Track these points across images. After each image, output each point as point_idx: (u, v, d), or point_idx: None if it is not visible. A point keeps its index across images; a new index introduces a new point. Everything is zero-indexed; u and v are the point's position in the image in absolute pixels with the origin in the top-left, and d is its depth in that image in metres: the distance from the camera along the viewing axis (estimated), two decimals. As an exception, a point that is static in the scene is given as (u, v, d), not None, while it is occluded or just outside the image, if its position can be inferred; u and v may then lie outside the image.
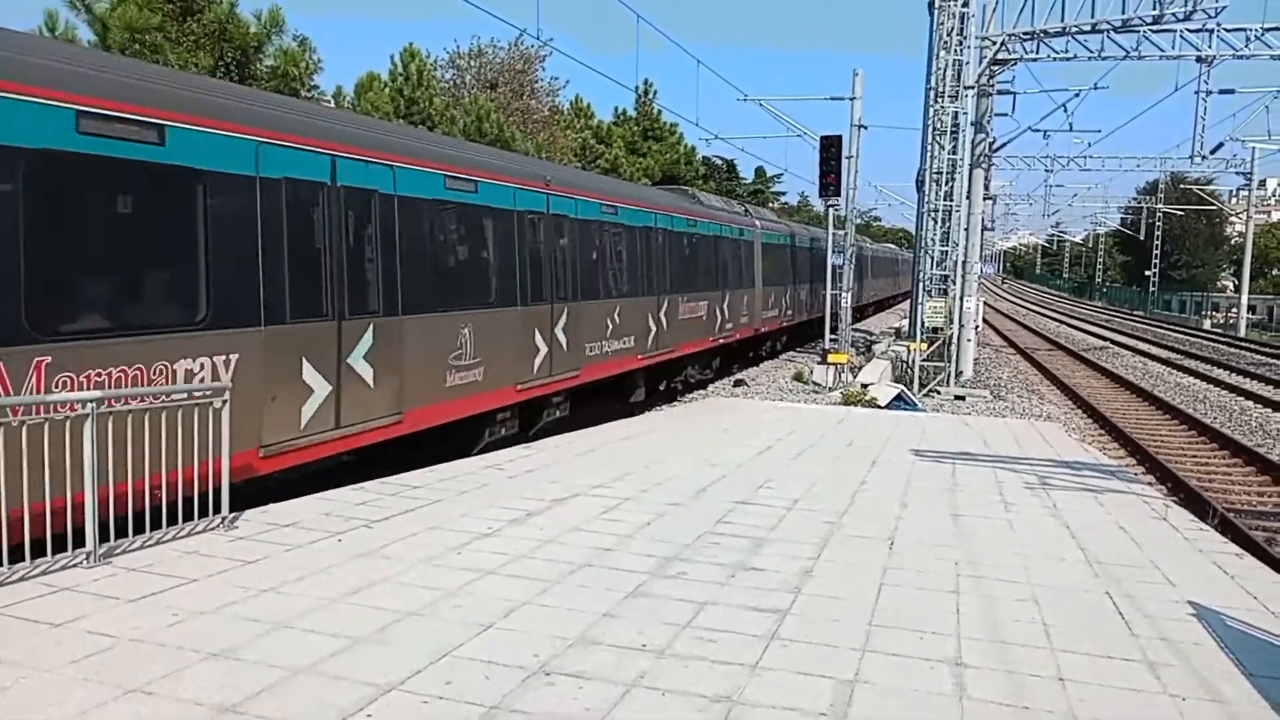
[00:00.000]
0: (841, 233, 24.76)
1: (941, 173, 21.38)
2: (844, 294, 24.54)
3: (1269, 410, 20.08)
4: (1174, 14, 20.28)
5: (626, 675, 4.69)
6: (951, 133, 21.14)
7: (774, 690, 4.59)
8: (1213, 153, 34.11)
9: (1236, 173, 45.52)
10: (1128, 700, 4.66)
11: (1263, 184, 46.37)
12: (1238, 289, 52.98)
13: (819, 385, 20.99)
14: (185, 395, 6.85)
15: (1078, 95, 26.07)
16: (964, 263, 22.43)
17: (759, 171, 67.07)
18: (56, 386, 6.18)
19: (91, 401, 5.90)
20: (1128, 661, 5.14)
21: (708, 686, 4.60)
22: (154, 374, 6.94)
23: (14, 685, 4.29)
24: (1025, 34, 21.90)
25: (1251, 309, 51.05)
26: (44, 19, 14.69)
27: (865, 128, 23.60)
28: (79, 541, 5.95)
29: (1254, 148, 40.71)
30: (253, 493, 7.83)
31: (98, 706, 4.13)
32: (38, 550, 5.85)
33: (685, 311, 18.89)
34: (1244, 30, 21.95)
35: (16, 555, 5.69)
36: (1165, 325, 53.13)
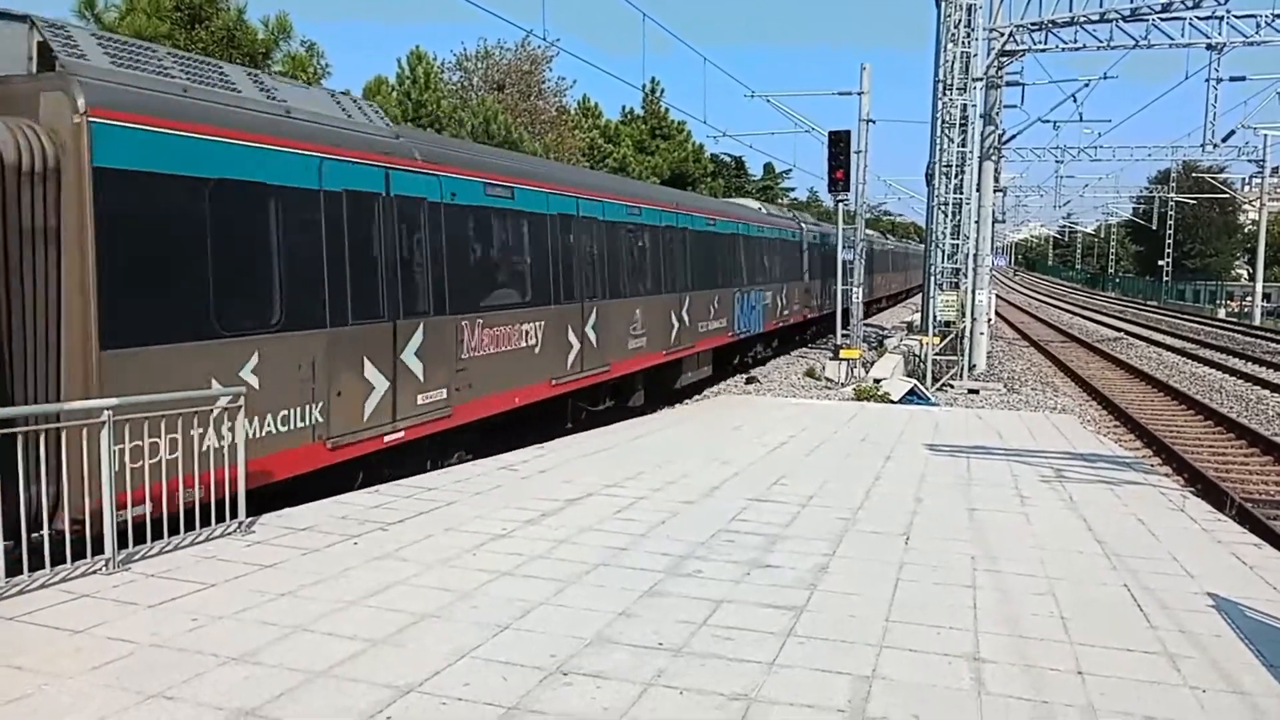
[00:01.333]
0: (851, 227, 24.67)
1: (951, 166, 21.31)
2: (855, 289, 24.46)
3: (1286, 399, 19.93)
4: (1183, 1, 20.17)
5: (644, 674, 4.69)
6: (960, 125, 21.06)
7: (791, 687, 4.59)
8: (1224, 140, 33.94)
9: (1249, 160, 45.25)
10: (1147, 693, 4.63)
11: (1275, 171, 46.00)
12: (1252, 277, 52.62)
13: (831, 381, 20.94)
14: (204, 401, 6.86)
15: (1087, 85, 25.89)
16: (975, 255, 22.34)
17: (768, 168, 66.91)
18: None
19: (108, 409, 5.94)
20: (1147, 654, 5.12)
21: (725, 684, 4.59)
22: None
23: (36, 692, 4.32)
24: (1033, 25, 21.80)
25: (1266, 297, 50.67)
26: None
27: (874, 122, 23.51)
28: (98, 548, 5.99)
29: (1266, 135, 40.47)
30: (266, 498, 7.86)
31: (118, 712, 4.16)
32: (57, 557, 5.90)
33: None
34: (1254, 16, 21.80)
35: (36, 562, 5.73)
36: (1179, 315, 52.81)
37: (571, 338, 13.37)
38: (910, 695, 4.53)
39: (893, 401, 17.29)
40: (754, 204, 27.75)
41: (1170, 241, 72.70)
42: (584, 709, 4.32)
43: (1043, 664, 4.93)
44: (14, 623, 5.12)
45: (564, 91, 36.12)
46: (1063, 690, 4.62)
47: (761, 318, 24.04)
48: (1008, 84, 24.69)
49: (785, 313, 26.59)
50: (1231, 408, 18.74)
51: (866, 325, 28.89)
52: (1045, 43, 22.64)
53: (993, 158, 24.47)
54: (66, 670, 4.55)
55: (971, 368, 22.21)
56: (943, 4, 21.16)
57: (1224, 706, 4.51)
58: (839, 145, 21.91)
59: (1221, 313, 53.66)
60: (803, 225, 29.85)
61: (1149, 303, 69.53)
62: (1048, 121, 33.40)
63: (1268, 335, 37.30)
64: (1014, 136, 27.91)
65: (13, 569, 5.57)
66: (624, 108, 41.63)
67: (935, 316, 21.77)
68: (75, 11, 15.03)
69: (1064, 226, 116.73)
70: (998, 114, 24.24)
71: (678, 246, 18.06)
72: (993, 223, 26.01)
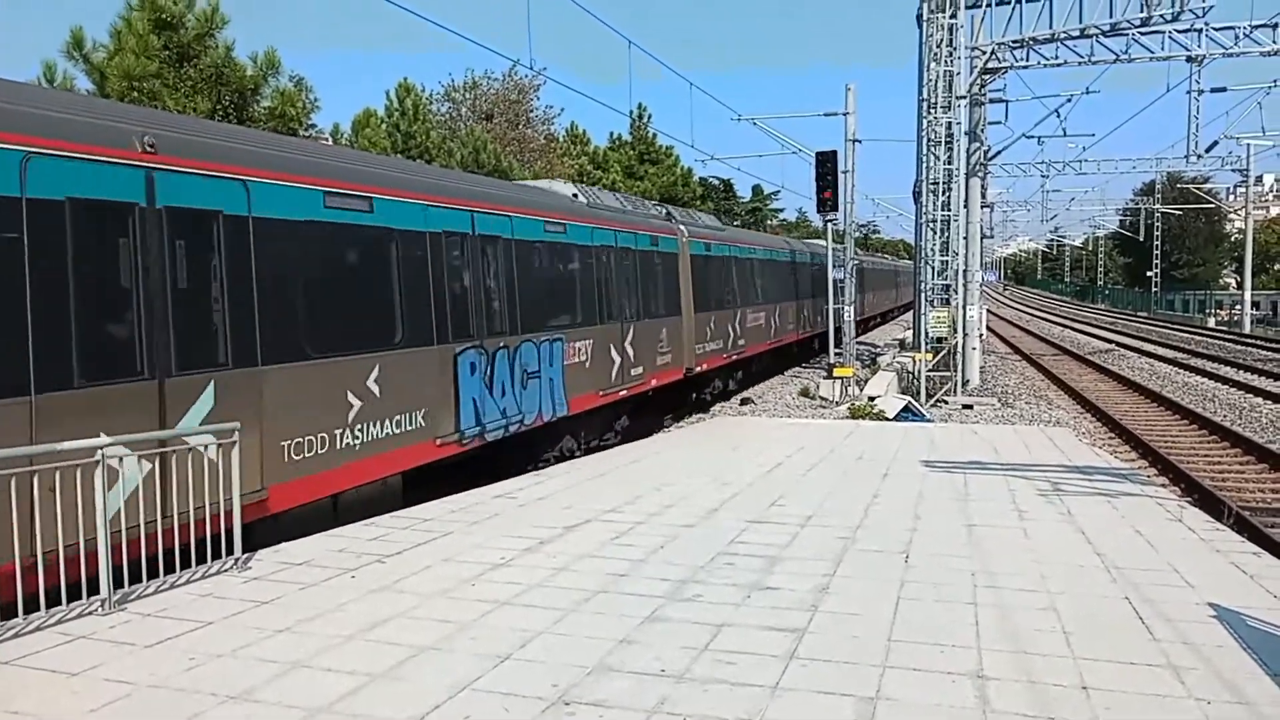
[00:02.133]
0: (842, 247, 24.80)
1: (938, 183, 21.43)
2: (846, 308, 24.57)
3: (1279, 406, 19.99)
4: (1162, 15, 20.41)
5: (646, 701, 4.66)
6: (946, 143, 21.20)
7: (796, 710, 4.56)
8: (1208, 151, 34.25)
9: (1233, 170, 45.63)
10: (1152, 706, 4.62)
11: (1259, 180, 46.48)
12: (1240, 286, 52.95)
13: (826, 400, 20.96)
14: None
15: (1070, 100, 26.17)
16: (965, 271, 22.45)
17: (756, 190, 67.29)
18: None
19: (101, 449, 5.92)
20: (1151, 666, 5.10)
21: (728, 709, 4.56)
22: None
23: (33, 737, 4.28)
24: (1014, 42, 22.03)
25: (1255, 305, 50.98)
26: (42, 70, 14.87)
27: (860, 142, 23.72)
28: (93, 589, 5.95)
29: (1249, 144, 40.76)
30: (264, 532, 7.82)
31: (117, 755, 4.11)
32: (53, 599, 5.85)
33: None
34: (1232, 28, 22.05)
35: (31, 605, 5.68)
36: (1170, 325, 53.03)
37: None
38: (915, 715, 4.51)
39: (888, 419, 17.31)
40: (566, 187, 16.13)
41: (1158, 252, 73.17)
42: (587, 738, 4.28)
43: (1047, 680, 4.91)
44: (10, 666, 5.07)
45: (552, 119, 36.42)
46: (1068, 705, 4.60)
47: (559, 392, 13.20)
48: (991, 101, 24.94)
49: (632, 371, 16.00)
50: (1225, 416, 18.79)
51: (859, 344, 28.91)
52: (1027, 59, 22.88)
53: (979, 174, 24.65)
54: (64, 713, 4.51)
55: (965, 383, 22.26)
56: (924, 24, 21.38)
57: (1229, 717, 4.49)
58: (826, 165, 22.05)
59: (1211, 322, 53.95)
60: (684, 227, 19.68)
61: (1139, 314, 69.84)
62: (1032, 137, 33.75)
63: (1258, 343, 37.48)
64: (999, 153, 28.17)
65: (8, 612, 5.53)
66: (612, 134, 41.88)
67: (927, 333, 21.83)
68: (63, 53, 15.11)
69: (1052, 240, 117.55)
70: (982, 131, 24.45)
71: (238, 266, 7.79)
72: (981, 238, 26.16)
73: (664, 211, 19.80)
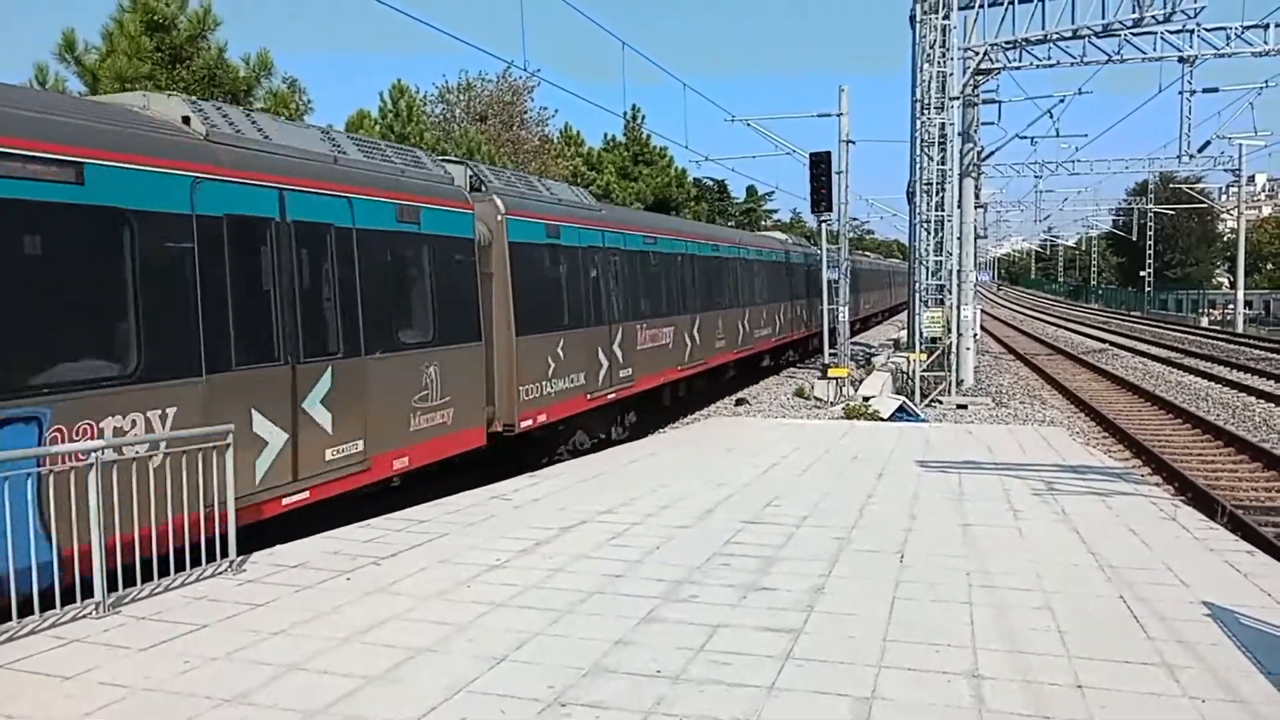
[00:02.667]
0: (836, 247, 24.83)
1: (931, 184, 21.48)
2: (842, 308, 24.58)
3: (1272, 405, 20.05)
4: (1154, 16, 20.45)
5: (643, 702, 4.66)
6: (939, 144, 21.25)
7: (792, 710, 4.56)
8: (1200, 151, 34.43)
9: (1225, 170, 45.73)
10: (1147, 705, 4.63)
11: (1251, 180, 46.64)
12: (1233, 285, 53.15)
13: (820, 400, 20.98)
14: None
15: (1062, 101, 26.23)
16: (959, 271, 22.49)
17: (750, 190, 67.28)
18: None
19: (95, 451, 5.90)
20: (1146, 665, 5.12)
21: (725, 710, 4.57)
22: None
23: (28, 741, 4.26)
24: (1007, 43, 22.08)
25: (1248, 304, 51.17)
26: (34, 72, 14.82)
27: (854, 143, 23.72)
28: (87, 592, 5.93)
29: (1241, 144, 40.92)
30: (257, 535, 7.79)
31: (113, 759, 4.10)
32: (46, 603, 5.82)
33: None
34: (1224, 29, 22.14)
35: (25, 608, 5.67)
36: (1163, 324, 53.19)
37: None
38: (911, 715, 4.51)
39: (882, 419, 17.33)
40: (174, 105, 8.05)
41: (1151, 252, 73.42)
42: (584, 740, 4.28)
43: (1042, 679, 4.92)
44: (5, 670, 5.06)
45: (546, 121, 36.33)
46: (1063, 705, 4.61)
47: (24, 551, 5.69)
48: (984, 102, 24.98)
49: (330, 454, 8.82)
50: (1218, 415, 18.84)
51: (853, 344, 28.92)
52: (1020, 60, 22.94)
53: (972, 174, 24.69)
54: (59, 717, 4.49)
55: (959, 383, 22.30)
56: (917, 25, 21.44)
57: (1224, 715, 4.50)
58: (820, 166, 22.08)
59: (1204, 321, 54.13)
60: (500, 199, 12.62)
61: (1132, 313, 70.05)
62: (1025, 138, 33.74)
63: (1251, 342, 37.61)
64: (993, 153, 28.20)
65: (2, 615, 5.51)
66: (606, 135, 41.90)
67: (921, 333, 21.86)
68: (55, 55, 15.06)
69: (1045, 240, 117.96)
70: (976, 131, 24.50)
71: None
72: (975, 238, 26.19)
73: (466, 174, 12.49)
